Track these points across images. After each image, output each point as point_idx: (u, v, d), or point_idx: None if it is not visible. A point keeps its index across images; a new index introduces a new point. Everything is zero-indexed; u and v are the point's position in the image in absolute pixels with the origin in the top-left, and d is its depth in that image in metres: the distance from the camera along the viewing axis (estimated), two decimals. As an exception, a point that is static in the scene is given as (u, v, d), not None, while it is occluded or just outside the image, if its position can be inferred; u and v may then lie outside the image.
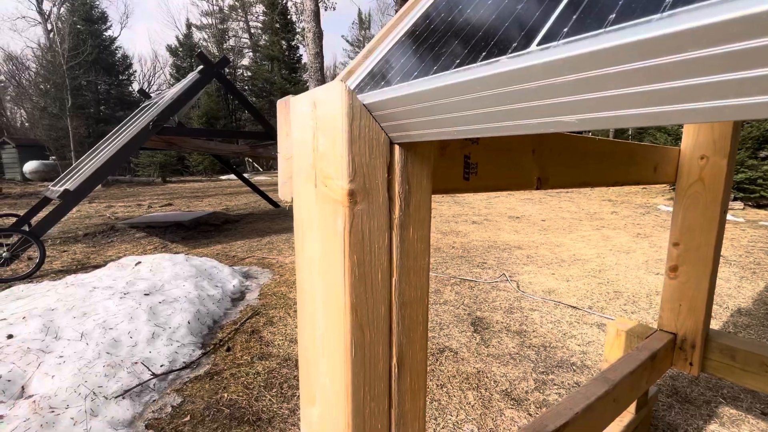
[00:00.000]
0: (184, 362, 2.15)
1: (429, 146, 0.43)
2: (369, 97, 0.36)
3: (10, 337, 2.10)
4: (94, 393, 1.77)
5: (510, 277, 3.57)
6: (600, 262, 3.99)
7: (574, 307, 2.89)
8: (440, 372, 2.07)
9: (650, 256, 4.13)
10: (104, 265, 3.53)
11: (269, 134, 6.96)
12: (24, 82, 25.91)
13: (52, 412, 1.64)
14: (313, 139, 0.39)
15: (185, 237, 5.74)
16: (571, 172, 0.90)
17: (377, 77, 0.36)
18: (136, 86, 28.24)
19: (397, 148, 0.39)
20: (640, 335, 1.45)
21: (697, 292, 1.37)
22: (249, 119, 28.44)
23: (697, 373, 1.40)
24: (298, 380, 2.02)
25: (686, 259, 1.39)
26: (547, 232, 5.57)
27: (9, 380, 1.80)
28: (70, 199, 4.28)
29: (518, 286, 3.33)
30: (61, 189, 4.36)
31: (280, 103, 0.46)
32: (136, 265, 3.19)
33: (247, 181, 8.40)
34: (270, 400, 1.87)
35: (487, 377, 2.02)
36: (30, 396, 1.74)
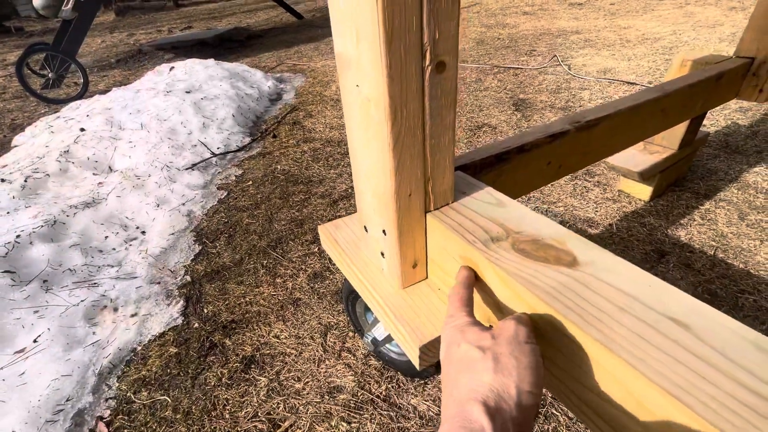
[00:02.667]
0: (237, 146, 2.33)
1: None
2: None
3: (82, 130, 2.33)
4: (167, 166, 2.03)
5: (562, 60, 3.21)
6: (674, 39, 3.41)
7: (631, 83, 2.63)
8: (478, 144, 2.11)
9: (741, 26, 3.44)
10: (142, 77, 3.57)
11: None
12: None
13: (138, 178, 1.92)
14: None
15: (211, 54, 5.52)
16: None
17: None
18: None
19: None
20: (710, 62, 1.29)
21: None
22: None
23: (764, 100, 1.29)
24: (340, 155, 2.16)
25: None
26: (615, 15, 4.69)
27: (96, 160, 2.08)
28: (86, 10, 4.05)
29: (569, 68, 3.02)
30: (71, 3, 4.09)
31: None
32: (170, 70, 3.19)
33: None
34: (318, 168, 2.05)
35: (525, 144, 2.04)
36: (116, 170, 2.03)
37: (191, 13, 12.47)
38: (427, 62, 0.43)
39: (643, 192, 1.53)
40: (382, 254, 0.64)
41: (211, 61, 3.30)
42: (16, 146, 2.86)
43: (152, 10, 14.70)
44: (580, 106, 2.40)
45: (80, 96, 3.99)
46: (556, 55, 3.26)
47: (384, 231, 0.59)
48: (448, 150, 0.53)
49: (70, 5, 4.33)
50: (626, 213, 1.46)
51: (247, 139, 2.42)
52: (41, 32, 11.51)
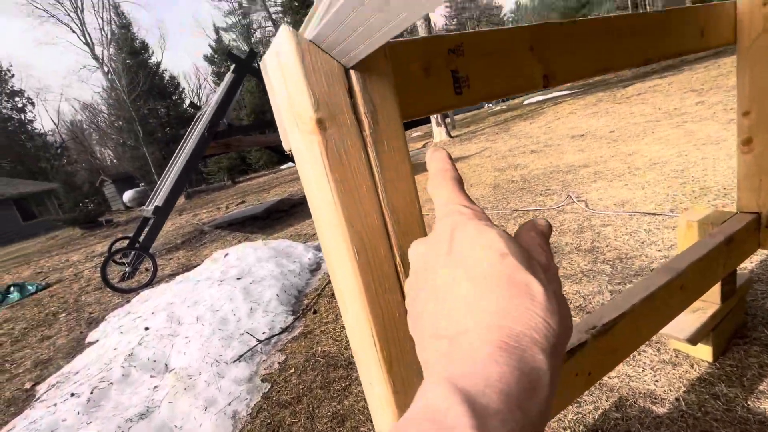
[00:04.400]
0: (281, 327, 2.46)
1: (382, 63, 0.46)
2: (311, 32, 0.41)
3: (146, 329, 2.59)
4: (216, 361, 2.14)
5: (577, 197, 3.38)
6: (682, 161, 3.57)
7: (652, 214, 2.68)
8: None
9: (746, 140, 3.59)
10: (201, 263, 4.07)
11: (310, 114, 7.12)
12: (101, 124, 29.35)
13: (190, 378, 2.03)
14: (285, 86, 0.45)
15: (261, 226, 6.29)
16: (582, 60, 0.85)
17: (321, 16, 0.40)
18: (188, 102, 30.37)
19: (353, 73, 0.44)
20: (716, 222, 1.33)
21: (780, 161, 1.22)
22: (292, 106, 29.14)
23: (791, 249, 1.27)
24: (378, 327, 2.21)
25: (760, 128, 1.23)
26: (617, 142, 5.07)
27: (155, 360, 2.25)
28: (161, 213, 4.92)
29: (587, 205, 3.15)
30: (152, 207, 5.03)
31: (261, 65, 0.52)
32: (225, 257, 3.63)
33: (302, 165, 8.77)
34: (357, 346, 2.08)
35: (559, 297, 2.01)
36: (172, 369, 2.17)
37: (245, 188, 14.74)
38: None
39: (703, 351, 1.40)
40: None
41: (259, 243, 3.76)
42: (90, 343, 3.16)
43: (214, 190, 17.53)
44: (607, 246, 2.42)
45: (149, 283, 4.52)
46: (569, 195, 3.46)
47: None
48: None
49: (150, 207, 5.29)
50: (691, 381, 1.32)
51: (290, 318, 2.56)
52: (126, 222, 13.76)
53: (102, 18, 28.41)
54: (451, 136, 11.45)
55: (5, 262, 11.28)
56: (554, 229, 2.88)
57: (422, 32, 10.42)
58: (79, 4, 27.58)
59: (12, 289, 6.03)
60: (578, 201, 3.28)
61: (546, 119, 9.54)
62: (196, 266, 4.59)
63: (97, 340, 3.08)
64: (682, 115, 5.59)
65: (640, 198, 3.01)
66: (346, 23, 0.36)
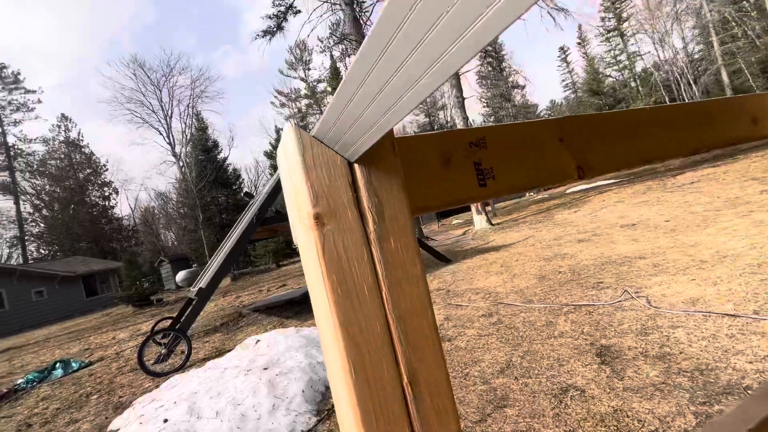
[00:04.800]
0: (302, 430, 2.22)
1: (389, 157, 0.44)
2: (315, 128, 0.40)
3: (165, 421, 2.45)
4: (228, 467, 1.93)
5: (636, 293, 3.04)
6: (757, 254, 3.18)
7: (732, 315, 2.31)
8: (566, 416, 1.79)
9: (833, 232, 3.17)
10: (233, 349, 3.99)
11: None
12: (169, 210, 32.67)
13: (198, 487, 1.81)
14: (290, 179, 0.44)
15: (298, 311, 6.23)
16: (622, 151, 0.80)
17: (324, 112, 0.40)
18: (244, 191, 33.41)
19: (356, 166, 0.42)
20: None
21: None
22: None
23: None
24: None
25: None
26: (675, 232, 4.71)
27: (166, 460, 2.07)
28: (203, 295, 5.05)
29: (649, 302, 2.81)
30: (196, 289, 5.20)
31: (277, 160, 0.52)
32: (255, 343, 3.54)
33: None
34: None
35: (628, 417, 1.67)
36: (181, 473, 1.97)
37: (288, 272, 15.10)
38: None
39: None
40: None
41: (291, 330, 3.66)
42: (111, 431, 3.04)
43: (260, 273, 18.11)
44: (681, 353, 2.06)
45: (181, 367, 4.45)
46: (626, 290, 3.13)
47: None
48: None
49: (195, 289, 5.47)
50: None
51: (314, 420, 2.32)
52: (174, 301, 14.30)
53: (185, 123, 33.64)
54: (492, 224, 11.35)
55: (61, 336, 11.86)
56: (613, 330, 2.54)
57: (460, 126, 11.14)
58: (169, 112, 33.12)
59: (57, 365, 6.19)
60: (638, 297, 2.94)
61: (591, 207, 9.27)
62: (228, 351, 4.51)
63: (118, 429, 2.96)
64: (746, 204, 5.18)
65: (712, 296, 2.64)
66: (342, 118, 0.35)
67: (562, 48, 47.46)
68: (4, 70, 32.60)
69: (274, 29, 15.02)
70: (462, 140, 0.62)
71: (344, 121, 0.36)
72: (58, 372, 6.04)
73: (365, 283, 0.39)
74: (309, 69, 36.05)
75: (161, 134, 33.30)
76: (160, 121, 32.73)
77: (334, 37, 15.78)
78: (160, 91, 33.33)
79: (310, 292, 0.44)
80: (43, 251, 31.79)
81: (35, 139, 33.75)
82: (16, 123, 33.08)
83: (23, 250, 30.77)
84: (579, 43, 43.92)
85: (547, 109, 51.86)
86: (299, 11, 14.97)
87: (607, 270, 3.87)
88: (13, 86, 32.99)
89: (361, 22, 13.25)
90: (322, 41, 20.58)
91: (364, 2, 13.69)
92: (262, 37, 15.06)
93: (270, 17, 14.84)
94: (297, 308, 6.47)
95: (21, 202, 31.26)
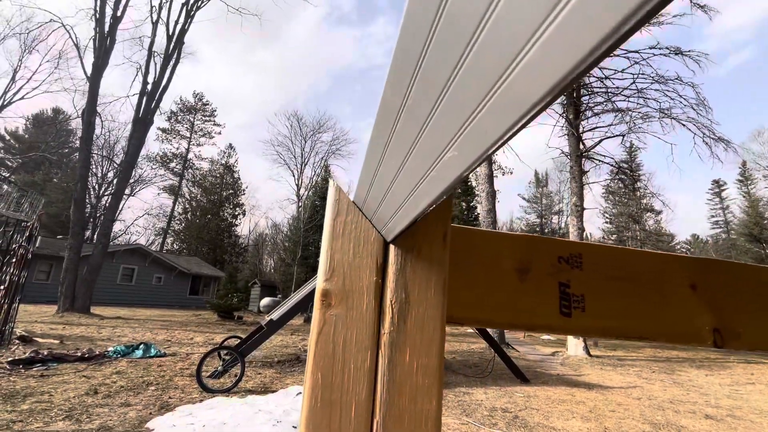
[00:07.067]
0: None
1: (437, 248, 0.35)
2: (355, 191, 0.34)
3: (188, 441, 2.43)
4: None
5: None
6: None
7: None
8: None
9: None
10: (276, 392, 3.93)
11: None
12: (277, 241, 36.42)
13: None
14: (323, 241, 0.39)
15: (349, 376, 5.97)
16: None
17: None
18: (344, 242, 35.47)
19: (392, 248, 0.34)
20: None
21: None
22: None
23: None
24: None
25: None
26: None
27: (170, 485, 2.01)
28: (272, 327, 5.23)
29: None
30: (268, 319, 5.43)
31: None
32: (296, 395, 3.43)
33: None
34: None
35: None
36: (176, 508, 1.87)
37: (355, 330, 15.00)
38: None
39: None
40: None
41: (334, 394, 3.48)
42: (147, 429, 3.16)
43: (329, 322, 18.37)
44: None
45: (228, 390, 4.53)
46: None
47: None
48: None
49: (267, 318, 5.72)
50: None
51: None
52: (251, 323, 15.24)
53: (315, 171, 38.53)
54: (589, 354, 9.68)
55: (156, 322, 13.47)
56: None
57: (573, 236, 10.22)
58: (306, 160, 38.52)
59: (141, 346, 6.93)
60: None
61: (733, 377, 7.26)
62: (272, 392, 4.46)
63: (153, 430, 3.05)
64: None
65: None
66: (373, 189, 0.29)
67: (716, 181, 42.03)
68: (207, 106, 42.88)
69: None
70: (550, 251, 0.51)
71: (375, 193, 0.29)
72: (139, 352, 6.73)
73: (355, 398, 0.29)
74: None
75: (293, 176, 38.73)
76: (297, 166, 38.20)
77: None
78: (305, 142, 39.36)
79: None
80: (176, 246, 38.14)
81: (205, 158, 42.55)
82: (199, 144, 42.55)
83: (163, 240, 37.47)
84: (740, 180, 38.36)
85: (686, 243, 45.03)
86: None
87: (745, 474, 2.83)
88: (207, 118, 43.02)
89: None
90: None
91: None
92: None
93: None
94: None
95: (177, 203, 38.80)
